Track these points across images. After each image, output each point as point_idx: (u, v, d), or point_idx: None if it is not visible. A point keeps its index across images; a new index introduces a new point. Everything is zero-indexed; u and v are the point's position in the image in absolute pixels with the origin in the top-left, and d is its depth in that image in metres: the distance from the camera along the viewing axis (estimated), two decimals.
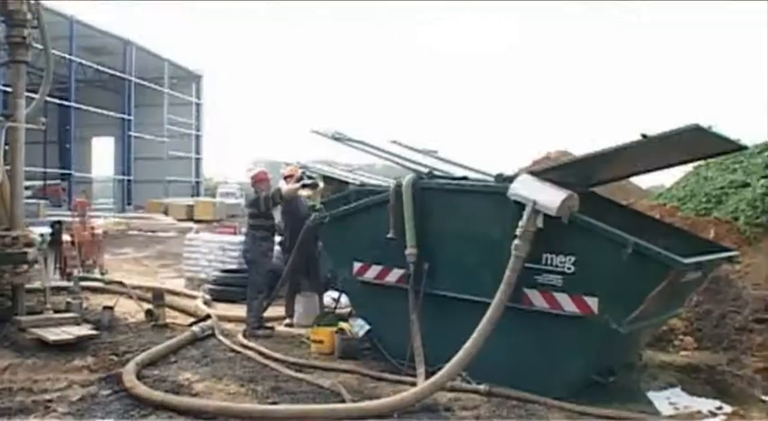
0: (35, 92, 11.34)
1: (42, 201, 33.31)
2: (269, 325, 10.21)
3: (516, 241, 6.73)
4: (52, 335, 8.88)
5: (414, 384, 7.11)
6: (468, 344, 6.63)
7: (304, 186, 10.35)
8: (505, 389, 6.97)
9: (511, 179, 7.07)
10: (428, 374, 7.11)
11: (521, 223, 6.72)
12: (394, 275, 8.19)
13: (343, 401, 6.80)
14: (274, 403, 6.82)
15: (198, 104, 56.57)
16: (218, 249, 14.35)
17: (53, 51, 11.76)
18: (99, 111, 43.60)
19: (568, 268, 6.76)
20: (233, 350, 8.91)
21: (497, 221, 7.20)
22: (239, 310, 11.02)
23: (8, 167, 10.24)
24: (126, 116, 46.57)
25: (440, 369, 6.76)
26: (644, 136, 6.22)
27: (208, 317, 10.27)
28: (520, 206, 6.81)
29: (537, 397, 6.81)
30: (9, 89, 10.55)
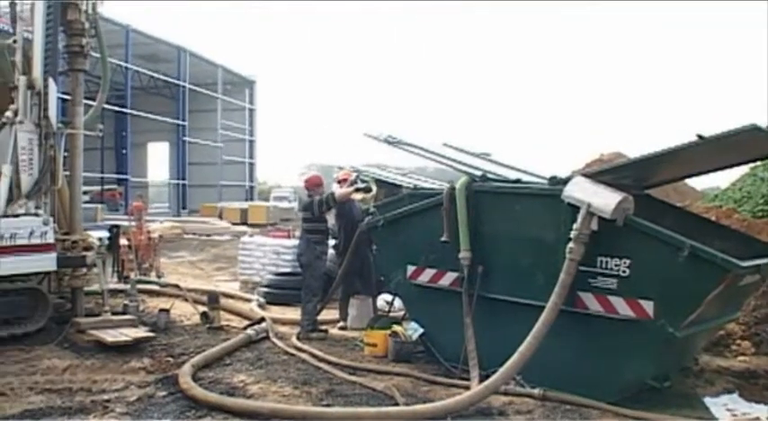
0: (93, 99, 11.58)
1: (100, 206, 33.75)
2: (323, 328, 10.25)
3: (570, 244, 6.68)
4: (110, 336, 9.04)
5: (467, 388, 7.07)
6: (522, 348, 6.59)
7: (357, 190, 10.38)
8: (559, 393, 6.92)
9: (565, 181, 7.00)
10: (482, 378, 7.10)
11: (575, 226, 6.66)
12: (448, 279, 8.18)
13: (396, 404, 6.81)
14: (328, 405, 6.84)
15: (251, 109, 57.15)
16: (272, 253, 14.48)
17: (109, 59, 11.98)
18: (154, 117, 44.29)
19: (623, 271, 6.69)
20: (287, 352, 8.96)
21: (551, 224, 7.15)
22: (293, 313, 11.10)
23: (67, 173, 10.46)
24: (180, 122, 47.26)
25: (494, 372, 6.73)
26: (700, 137, 6.13)
27: (262, 319, 10.35)
28: (574, 209, 6.76)
29: (591, 401, 6.74)
30: (68, 97, 10.74)
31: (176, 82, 46.72)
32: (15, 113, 9.55)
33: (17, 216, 9.35)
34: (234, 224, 34.67)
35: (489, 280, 7.72)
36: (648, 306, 6.54)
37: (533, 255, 7.36)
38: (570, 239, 6.68)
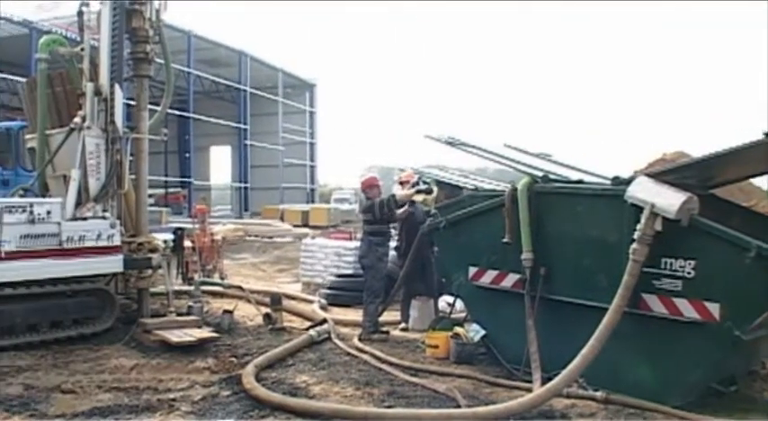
0: (157, 104, 11.79)
1: (164, 209, 34.36)
2: (384, 329, 10.28)
3: (634, 245, 6.59)
4: (175, 337, 9.20)
5: (529, 390, 7.02)
6: (585, 350, 6.52)
7: (418, 191, 10.38)
8: (623, 396, 6.83)
9: (628, 182, 6.91)
10: (544, 380, 7.04)
11: (638, 226, 6.57)
12: (510, 280, 8.13)
13: (458, 406, 6.79)
14: (390, 407, 6.85)
15: (312, 112, 57.48)
16: (333, 254, 14.54)
17: (173, 65, 12.19)
18: (216, 121, 44.87)
19: (688, 272, 6.57)
20: (349, 354, 9.01)
21: (614, 225, 7.06)
22: (355, 315, 11.14)
23: (133, 177, 10.66)
24: (242, 125, 47.78)
25: (556, 375, 6.67)
26: (767, 135, 6.00)
27: (324, 321, 10.42)
28: (637, 209, 6.66)
29: (655, 405, 6.64)
30: (133, 102, 10.95)
31: (237, 86, 47.24)
32: (83, 119, 9.78)
33: (85, 219, 9.58)
34: (295, 226, 34.85)
35: (551, 281, 7.66)
36: (714, 308, 6.41)
37: (596, 257, 7.27)
38: (634, 240, 6.59)
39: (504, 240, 7.92)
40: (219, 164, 58.81)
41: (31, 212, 8.99)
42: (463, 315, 9.83)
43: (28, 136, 12.37)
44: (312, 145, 57.81)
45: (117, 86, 10.00)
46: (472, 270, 8.56)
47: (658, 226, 6.52)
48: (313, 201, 52.32)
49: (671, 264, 6.66)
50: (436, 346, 8.98)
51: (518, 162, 8.60)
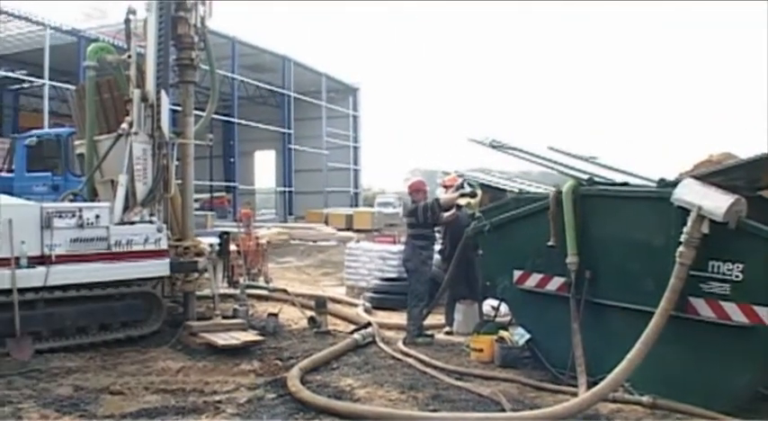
0: (202, 110, 11.90)
1: (210, 213, 34.69)
2: (429, 333, 10.28)
3: (681, 248, 6.51)
4: (221, 339, 9.28)
5: (575, 394, 6.98)
6: (631, 354, 6.46)
7: (462, 195, 10.36)
8: (670, 401, 6.75)
9: (674, 184, 6.83)
10: (590, 384, 6.99)
11: (685, 229, 6.49)
12: (555, 283, 8.09)
13: (503, 410, 6.77)
14: (435, 410, 6.84)
15: (355, 116, 57.65)
16: (377, 258, 14.57)
17: (217, 71, 12.31)
18: (260, 125, 45.15)
19: (736, 276, 6.47)
20: (393, 357, 9.03)
21: (661, 228, 6.99)
22: (399, 318, 11.16)
23: (179, 181, 10.78)
24: (286, 130, 48.07)
25: (602, 379, 6.61)
26: None
27: (368, 324, 10.45)
28: (684, 212, 6.58)
29: (703, 410, 6.54)
30: (179, 108, 11.08)
31: (281, 91, 47.55)
32: (130, 125, 9.92)
33: (133, 223, 9.70)
34: (339, 230, 34.98)
35: (597, 284, 7.61)
36: (763, 312, 6.31)
37: (642, 260, 7.20)
38: (680, 243, 6.52)
39: (549, 243, 7.89)
40: (264, 168, 59.36)
41: (81, 217, 9.15)
42: (508, 318, 9.80)
43: (77, 142, 12.55)
44: (356, 149, 57.99)
45: (163, 92, 10.13)
46: (517, 273, 8.54)
47: (705, 228, 6.43)
48: (357, 205, 52.42)
49: (718, 267, 6.57)
50: (481, 350, 8.96)
51: (563, 164, 8.55)
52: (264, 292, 13.58)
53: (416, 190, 10.59)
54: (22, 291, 8.52)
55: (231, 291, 12.28)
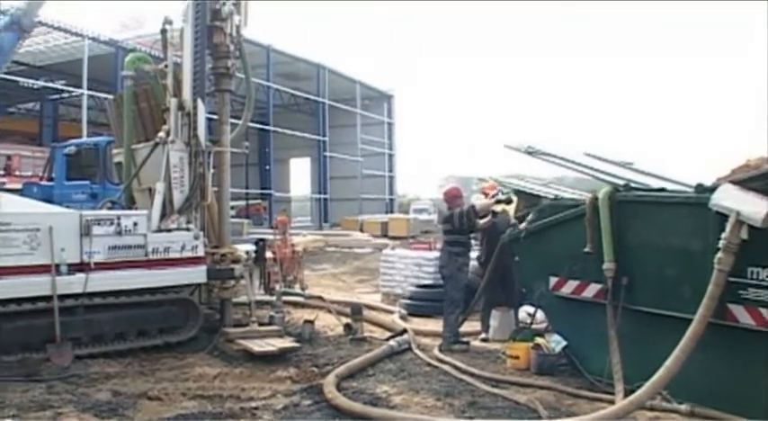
0: (238, 118, 11.98)
1: (245, 220, 34.87)
2: (465, 339, 10.25)
3: (719, 254, 6.43)
4: (257, 346, 9.33)
5: (612, 402, 6.93)
6: (668, 362, 6.40)
7: (498, 201, 10.33)
8: (708, 409, 6.67)
9: (712, 189, 6.76)
10: (627, 392, 6.92)
11: (723, 235, 6.42)
12: (591, 290, 8.04)
13: (539, 417, 6.75)
14: (471, 418, 6.83)
15: (390, 123, 57.74)
16: (413, 265, 14.55)
17: (252, 79, 12.40)
18: (295, 133, 45.41)
19: None
20: (429, 364, 9.02)
21: (698, 234, 6.91)
22: (435, 325, 11.13)
23: (216, 189, 10.86)
24: (321, 137, 48.35)
25: (639, 387, 6.56)
26: None
27: (404, 331, 10.45)
28: (722, 217, 6.51)
29: (741, 419, 6.46)
30: (215, 117, 11.16)
31: (316, 98, 47.84)
32: (167, 134, 10.03)
33: (170, 230, 9.80)
34: (374, 237, 35.01)
35: (634, 291, 7.54)
36: None
37: (680, 266, 7.13)
38: (719, 249, 6.44)
39: (586, 250, 7.83)
40: (299, 175, 59.63)
41: (119, 224, 9.26)
42: (544, 325, 9.75)
43: (115, 150, 12.71)
44: (391, 156, 58.08)
45: (200, 101, 10.23)
46: (553, 280, 8.50)
47: (744, 234, 6.35)
48: (392, 212, 52.46)
49: (757, 273, 6.48)
50: (517, 357, 8.91)
51: (598, 170, 8.50)
52: (300, 299, 13.64)
53: (452, 196, 10.57)
54: (62, 297, 8.66)
55: (267, 297, 12.33)
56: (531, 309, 10.26)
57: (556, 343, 8.53)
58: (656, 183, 8.17)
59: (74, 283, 8.79)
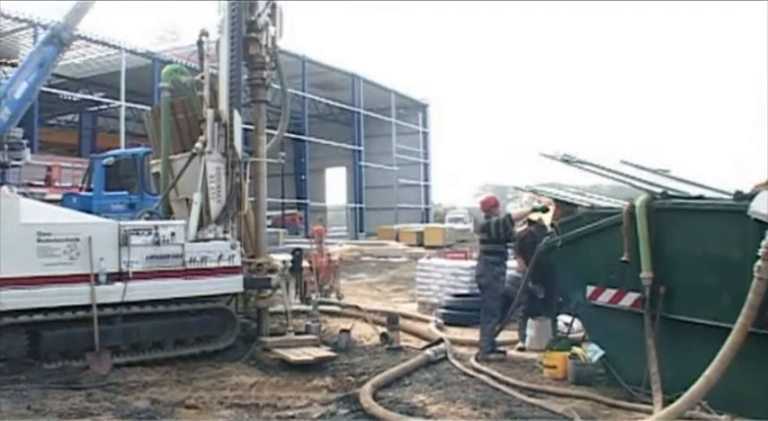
0: (274, 128, 12.06)
1: (281, 230, 35.06)
2: (501, 349, 10.21)
3: (759, 262, 6.34)
4: (294, 355, 9.37)
5: (650, 412, 6.85)
6: (708, 372, 6.31)
7: (534, 210, 10.29)
8: (748, 420, 6.58)
9: (750, 197, 6.68)
10: (665, 402, 6.85)
11: (763, 243, 6.33)
12: (628, 299, 7.96)
13: None
14: None
15: (425, 133, 57.76)
16: (449, 274, 14.53)
17: (288, 89, 12.48)
18: (331, 143, 45.59)
19: None
20: (466, 373, 8.98)
21: (737, 242, 6.82)
22: (471, 334, 11.10)
23: (252, 199, 10.93)
24: (356, 147, 48.49)
25: (678, 397, 6.48)
26: None
27: (441, 340, 10.42)
28: (761, 225, 6.42)
29: None
30: (251, 127, 11.25)
31: (351, 108, 48.03)
32: (204, 144, 10.12)
33: (207, 240, 9.88)
34: (410, 246, 35.00)
35: (672, 300, 7.45)
36: None
37: (719, 274, 7.04)
38: (758, 257, 6.36)
39: (623, 258, 7.77)
40: (335, 185, 59.81)
41: (157, 234, 9.37)
42: (581, 335, 9.68)
43: (152, 161, 12.85)
44: (426, 165, 58.08)
45: (236, 112, 10.32)
46: (590, 289, 8.43)
47: None
48: (428, 221, 52.41)
49: None
50: (554, 367, 8.86)
51: (635, 178, 8.44)
52: (336, 309, 13.69)
53: (489, 205, 10.55)
54: (101, 306, 8.78)
55: (304, 307, 12.38)
56: (567, 319, 10.21)
57: (593, 352, 8.45)
58: (693, 191, 8.09)
59: (112, 293, 8.90)
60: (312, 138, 44.10)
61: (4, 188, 10.44)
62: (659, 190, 7.84)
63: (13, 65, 30.65)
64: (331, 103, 46.62)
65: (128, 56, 32.13)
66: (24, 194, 14.03)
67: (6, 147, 11.10)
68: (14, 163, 11.64)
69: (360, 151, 48.86)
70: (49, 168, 25.26)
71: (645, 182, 8.26)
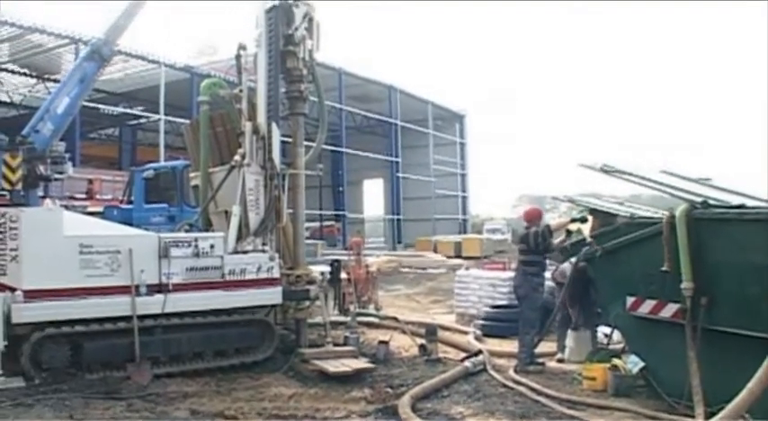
0: (311, 140, 12.12)
1: (319, 242, 35.16)
2: (540, 360, 10.15)
3: None
4: (332, 367, 9.38)
5: None
6: (751, 384, 6.22)
7: (573, 220, 10.24)
8: None
9: None
10: (707, 415, 6.77)
11: None
12: (669, 310, 7.87)
13: None
14: None
15: (462, 143, 57.70)
16: (487, 285, 14.50)
17: (326, 102, 12.55)
18: (368, 154, 45.72)
19: None
20: (504, 385, 8.95)
21: None
22: (510, 346, 11.04)
23: (291, 211, 10.98)
24: (393, 158, 48.53)
25: (720, 409, 6.39)
26: None
27: (479, 352, 10.38)
28: None
29: None
30: (289, 140, 11.31)
31: (388, 120, 48.12)
32: (243, 157, 10.20)
33: (246, 252, 9.96)
34: (448, 257, 34.94)
35: (714, 311, 7.36)
36: None
37: (761, 284, 6.94)
38: None
39: (663, 269, 7.69)
40: (372, 196, 59.94)
41: (196, 246, 9.46)
42: (621, 346, 9.59)
43: (192, 174, 12.99)
44: (463, 176, 58.00)
45: (274, 125, 10.40)
46: (630, 300, 8.35)
47: None
48: (465, 232, 52.29)
49: None
50: (593, 378, 8.79)
51: (675, 187, 8.35)
52: (375, 320, 13.71)
53: (532, 217, 10.51)
54: (141, 317, 8.89)
55: (342, 318, 12.40)
56: (607, 330, 10.13)
57: (633, 364, 8.37)
58: (734, 200, 8.00)
59: (153, 304, 9.01)
60: (350, 150, 44.26)
61: (48, 201, 10.62)
62: (700, 199, 7.75)
63: (56, 80, 31.24)
64: (368, 114, 46.80)
65: (167, 70, 32.49)
66: (66, 207, 14.26)
67: (49, 160, 11.31)
68: (57, 176, 11.86)
69: (397, 162, 48.93)
70: (90, 181, 25.59)
71: (685, 191, 8.17)
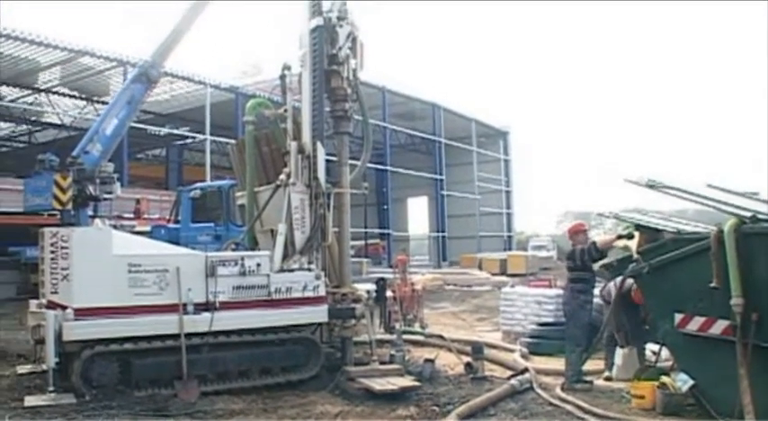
0: (356, 159, 12.17)
1: (365, 260, 35.22)
2: (588, 379, 10.04)
3: None
4: (378, 385, 9.37)
5: None
6: None
7: (620, 237, 10.15)
8: None
9: None
10: None
11: None
12: (718, 327, 7.77)
13: None
14: None
15: (506, 160, 57.55)
16: (533, 302, 14.41)
17: (370, 120, 12.62)
18: (412, 172, 45.81)
19: None
20: (551, 404, 8.87)
21: None
22: (557, 364, 10.96)
23: (336, 230, 11.03)
24: (438, 176, 48.52)
25: None
26: None
27: (526, 370, 10.31)
28: None
29: None
30: (334, 158, 11.38)
31: (432, 137, 48.18)
32: (288, 176, 10.29)
33: (292, 271, 10.01)
34: (493, 274, 34.79)
35: (765, 327, 7.25)
36: None
37: None
38: None
39: (712, 285, 7.59)
40: (417, 214, 59.94)
41: (243, 265, 9.55)
42: (670, 363, 9.47)
43: (238, 193, 13.12)
44: (508, 193, 57.78)
45: (319, 144, 10.47)
46: (678, 316, 8.26)
47: None
48: (510, 249, 52.04)
49: None
50: (642, 397, 8.68)
51: (722, 202, 8.25)
52: (421, 338, 13.69)
53: (576, 232, 10.47)
54: (188, 335, 9.00)
55: (388, 336, 12.39)
56: (655, 347, 10.01)
57: (682, 382, 8.26)
58: None
59: (200, 322, 9.11)
60: (394, 168, 44.38)
61: (97, 221, 10.78)
62: (748, 213, 7.65)
63: (104, 102, 31.78)
64: (412, 132, 46.93)
65: (212, 91, 32.90)
66: (115, 226, 14.48)
67: (98, 181, 11.50)
68: (106, 196, 12.04)
69: (441, 180, 48.91)
70: (137, 201, 25.94)
71: (732, 205, 8.07)
